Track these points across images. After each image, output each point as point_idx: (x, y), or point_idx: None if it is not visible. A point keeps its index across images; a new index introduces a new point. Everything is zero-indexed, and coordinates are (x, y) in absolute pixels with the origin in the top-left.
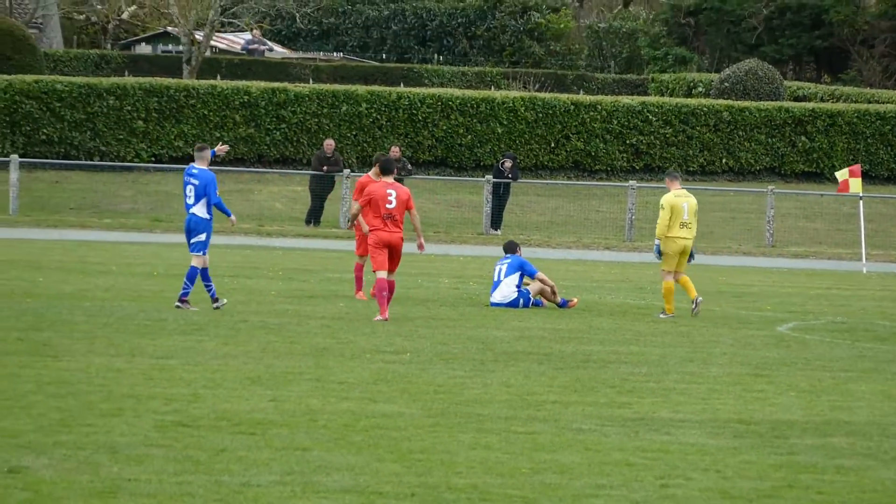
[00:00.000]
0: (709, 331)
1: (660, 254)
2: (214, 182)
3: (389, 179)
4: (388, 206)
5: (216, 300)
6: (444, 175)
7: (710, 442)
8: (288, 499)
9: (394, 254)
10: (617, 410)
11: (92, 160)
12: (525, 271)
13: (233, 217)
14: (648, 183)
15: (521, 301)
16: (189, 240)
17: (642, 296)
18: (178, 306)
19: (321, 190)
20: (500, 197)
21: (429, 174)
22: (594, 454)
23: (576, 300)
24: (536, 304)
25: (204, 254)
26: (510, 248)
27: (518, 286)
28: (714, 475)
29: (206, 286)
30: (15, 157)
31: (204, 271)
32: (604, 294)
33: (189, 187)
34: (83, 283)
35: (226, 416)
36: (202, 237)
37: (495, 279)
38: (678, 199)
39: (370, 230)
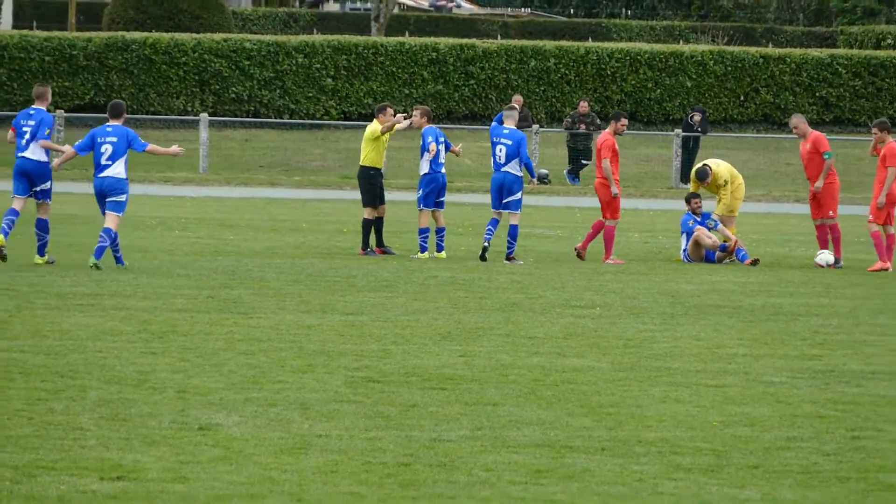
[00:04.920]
0: None
1: None
2: (525, 141)
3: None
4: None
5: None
6: (633, 129)
7: None
8: (478, 453)
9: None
10: (807, 363)
11: (281, 118)
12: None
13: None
14: (838, 135)
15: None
16: (504, 198)
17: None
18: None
19: None
20: (689, 151)
21: None
22: (785, 407)
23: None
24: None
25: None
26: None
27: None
28: None
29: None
30: (205, 116)
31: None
32: (794, 247)
33: (501, 147)
34: (273, 240)
35: (416, 372)
36: (518, 195)
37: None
38: None
39: None
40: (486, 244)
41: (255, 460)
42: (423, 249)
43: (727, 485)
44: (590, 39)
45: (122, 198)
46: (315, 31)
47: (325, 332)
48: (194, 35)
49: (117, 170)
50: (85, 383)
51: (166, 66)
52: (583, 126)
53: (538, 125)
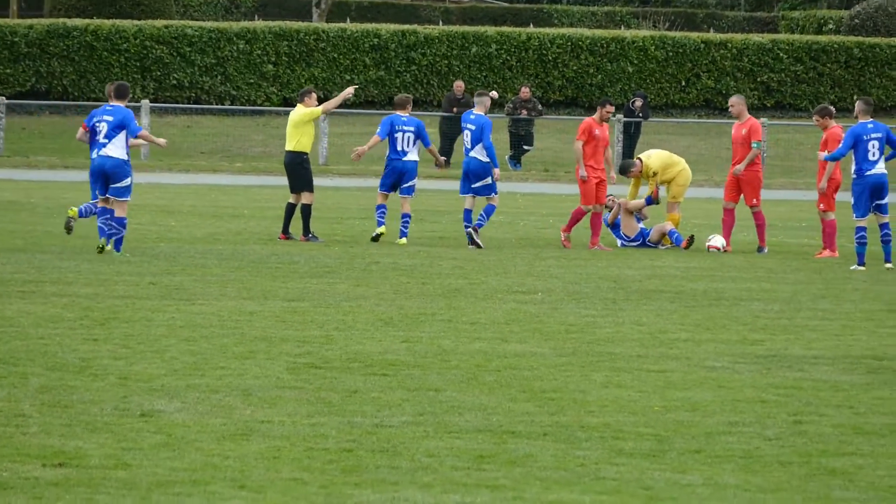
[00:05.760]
0: (841, 267)
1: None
2: (489, 126)
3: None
4: None
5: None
6: (574, 115)
7: (843, 378)
8: (420, 439)
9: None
10: (749, 348)
11: (222, 104)
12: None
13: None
14: (779, 120)
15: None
16: (473, 183)
17: (773, 233)
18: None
19: (451, 131)
20: (630, 136)
21: (559, 114)
22: (726, 392)
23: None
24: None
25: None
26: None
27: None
28: (847, 411)
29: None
30: (146, 103)
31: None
32: (735, 231)
33: (467, 133)
34: (215, 226)
35: (358, 358)
36: (488, 181)
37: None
38: None
39: None
40: (468, 230)
41: (197, 447)
42: (379, 224)
43: (669, 469)
44: (531, 25)
45: (126, 182)
46: (256, 17)
47: (266, 319)
48: (135, 21)
49: (118, 151)
50: (27, 370)
51: (108, 52)
52: (524, 112)
53: None
